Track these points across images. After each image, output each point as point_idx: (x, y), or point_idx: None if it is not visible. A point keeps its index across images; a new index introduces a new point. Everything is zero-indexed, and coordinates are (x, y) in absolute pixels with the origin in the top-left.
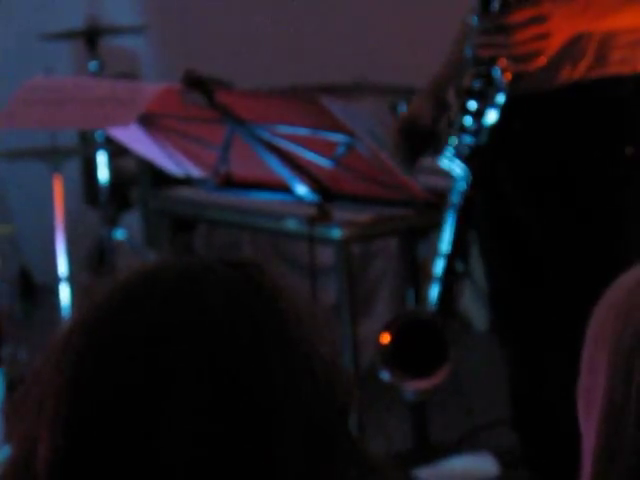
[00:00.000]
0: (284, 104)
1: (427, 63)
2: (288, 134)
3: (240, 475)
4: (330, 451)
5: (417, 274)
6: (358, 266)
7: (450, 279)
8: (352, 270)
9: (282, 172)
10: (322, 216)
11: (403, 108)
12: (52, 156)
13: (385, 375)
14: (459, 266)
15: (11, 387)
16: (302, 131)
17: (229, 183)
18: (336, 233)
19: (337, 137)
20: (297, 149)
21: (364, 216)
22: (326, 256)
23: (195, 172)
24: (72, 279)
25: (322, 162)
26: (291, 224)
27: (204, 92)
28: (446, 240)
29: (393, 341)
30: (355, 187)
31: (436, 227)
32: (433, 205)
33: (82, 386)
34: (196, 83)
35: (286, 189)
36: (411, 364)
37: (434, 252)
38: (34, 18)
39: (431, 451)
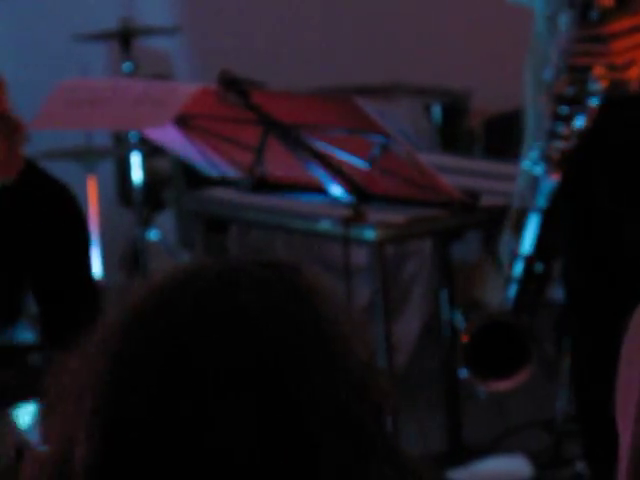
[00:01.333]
0: (319, 105)
1: (461, 64)
2: (323, 135)
3: (277, 474)
4: (365, 451)
5: (451, 275)
6: (392, 267)
7: (529, 281)
8: (386, 271)
9: (317, 173)
10: (357, 217)
11: (437, 109)
12: (87, 157)
13: (465, 374)
14: (539, 268)
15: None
16: (337, 132)
17: (264, 184)
18: (370, 234)
19: (372, 138)
20: (332, 150)
21: (398, 217)
22: (360, 257)
23: (230, 173)
24: (106, 280)
25: (357, 163)
26: (325, 225)
27: (240, 93)
28: (528, 242)
29: (473, 341)
30: (390, 188)
31: (470, 228)
32: (467, 206)
33: (119, 387)
34: (232, 84)
35: (321, 190)
36: (492, 364)
37: (472, 253)
38: (69, 19)
39: (465, 453)
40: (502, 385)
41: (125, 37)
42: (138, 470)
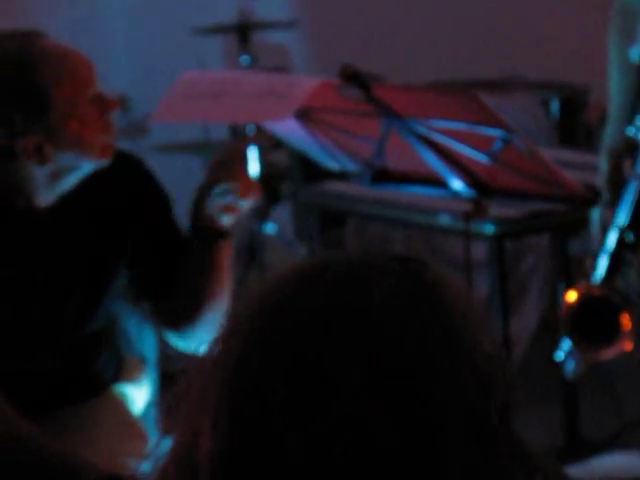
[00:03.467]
0: (440, 98)
1: (579, 58)
2: (444, 129)
3: (403, 473)
4: (492, 448)
5: (568, 270)
6: (510, 261)
7: (620, 251)
8: (505, 266)
9: (438, 167)
10: (478, 212)
11: (555, 103)
12: (204, 150)
13: (567, 347)
14: (629, 237)
15: (163, 381)
16: (458, 126)
17: (384, 177)
18: (489, 229)
19: (494, 132)
20: (453, 144)
21: (517, 212)
22: (477, 251)
23: (350, 166)
24: None
25: (478, 157)
26: (445, 219)
27: (361, 86)
28: (624, 211)
29: (574, 314)
30: (510, 182)
31: (588, 223)
32: (589, 201)
33: (246, 378)
34: (353, 77)
35: (441, 184)
36: (592, 337)
37: (589, 250)
38: (186, 13)
39: (582, 448)
40: (603, 354)
41: (243, 30)
42: (262, 461)
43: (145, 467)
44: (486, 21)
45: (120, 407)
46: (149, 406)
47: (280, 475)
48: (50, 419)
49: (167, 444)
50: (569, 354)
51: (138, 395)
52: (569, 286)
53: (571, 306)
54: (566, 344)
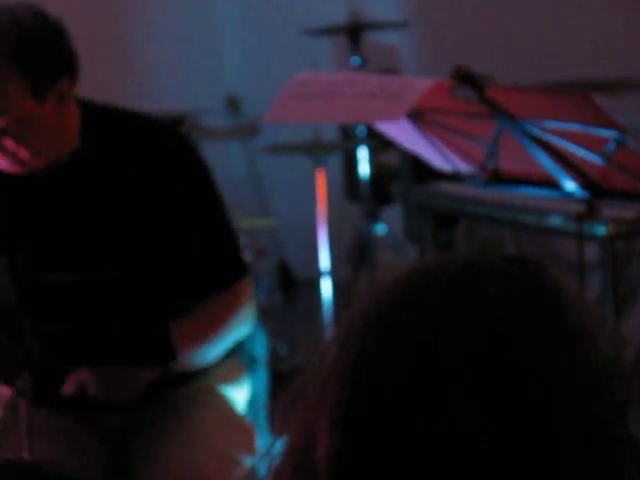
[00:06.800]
0: (553, 99)
1: None
2: (557, 130)
3: (517, 474)
4: (609, 448)
5: None
6: (621, 262)
7: None
8: (616, 267)
9: (550, 168)
10: (591, 213)
11: None
12: (315, 151)
13: None
14: None
15: (272, 381)
16: (571, 127)
17: (496, 179)
18: (601, 230)
19: (607, 133)
20: (566, 145)
21: (629, 212)
22: (588, 253)
23: (462, 167)
24: (333, 274)
25: (591, 158)
26: (557, 221)
27: (475, 87)
28: None
29: None
30: (623, 183)
31: None
32: None
33: (364, 377)
34: (467, 78)
35: (553, 185)
36: None
37: None
38: (297, 14)
39: None
40: None
41: (354, 31)
42: (378, 461)
43: (255, 464)
44: (599, 21)
45: (225, 407)
46: (259, 406)
47: (399, 475)
48: (159, 421)
49: (281, 444)
50: None
51: (239, 396)
52: None
53: None
54: None
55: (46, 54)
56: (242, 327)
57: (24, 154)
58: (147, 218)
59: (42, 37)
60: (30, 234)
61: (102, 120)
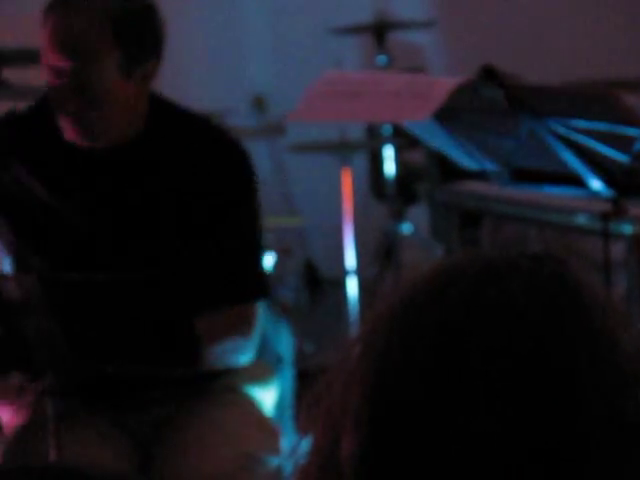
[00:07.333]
0: (580, 98)
1: None
2: (583, 128)
3: (543, 473)
4: (635, 447)
5: None
6: None
7: None
8: None
9: (577, 166)
10: (617, 212)
11: None
12: (341, 150)
13: None
14: None
15: (299, 380)
16: (598, 125)
17: (522, 177)
18: (627, 229)
19: (634, 132)
20: (592, 143)
21: None
22: (613, 252)
23: (488, 166)
24: (359, 273)
25: (618, 157)
26: (582, 219)
27: (501, 86)
28: None
29: None
30: None
31: None
32: None
33: (388, 376)
34: (493, 77)
35: (579, 184)
36: None
37: None
38: (323, 13)
39: None
40: None
41: (380, 30)
42: (404, 461)
43: (280, 463)
44: (625, 20)
45: (251, 407)
46: (285, 405)
47: (426, 474)
48: (186, 421)
49: (306, 444)
50: None
51: (267, 397)
52: None
53: None
54: None
55: (144, 33)
56: (242, 356)
57: (97, 125)
58: (189, 219)
59: (143, 16)
60: (78, 224)
61: (167, 113)
